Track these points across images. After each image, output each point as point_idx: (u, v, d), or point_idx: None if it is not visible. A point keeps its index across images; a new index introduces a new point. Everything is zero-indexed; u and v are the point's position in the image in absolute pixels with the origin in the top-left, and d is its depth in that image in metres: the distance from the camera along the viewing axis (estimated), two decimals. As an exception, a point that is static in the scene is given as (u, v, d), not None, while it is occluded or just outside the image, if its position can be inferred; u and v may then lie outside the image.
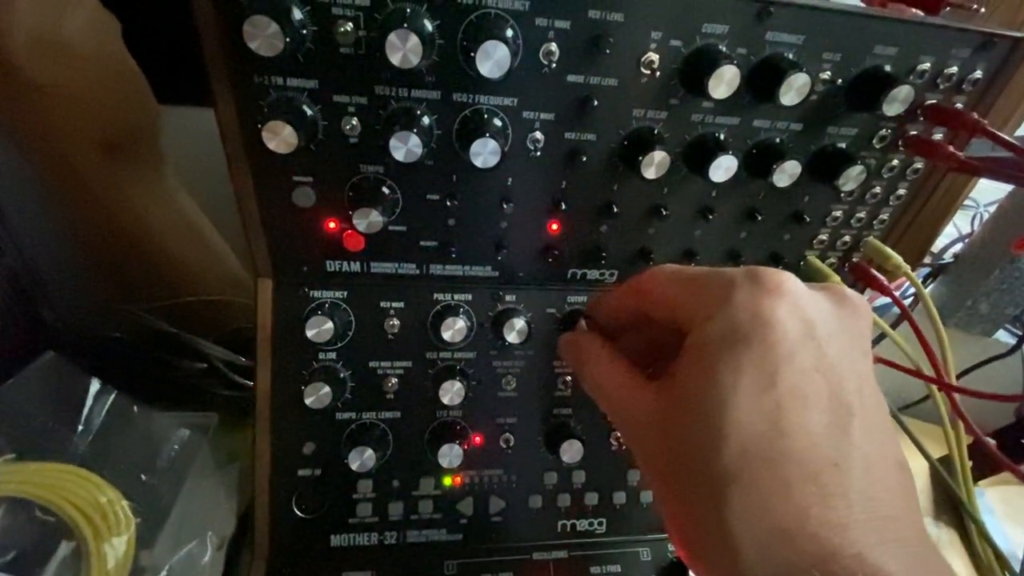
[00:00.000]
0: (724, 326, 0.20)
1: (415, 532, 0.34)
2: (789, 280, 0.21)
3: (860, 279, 0.36)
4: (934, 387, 0.34)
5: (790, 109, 0.27)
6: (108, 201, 0.46)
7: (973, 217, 0.76)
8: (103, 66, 0.42)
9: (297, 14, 0.23)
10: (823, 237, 0.35)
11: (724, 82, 0.25)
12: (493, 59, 0.23)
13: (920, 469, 0.67)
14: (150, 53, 0.44)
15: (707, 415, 0.20)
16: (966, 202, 0.81)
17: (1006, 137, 0.27)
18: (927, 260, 0.76)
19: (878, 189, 0.33)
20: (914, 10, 0.34)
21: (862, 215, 0.34)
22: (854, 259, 0.37)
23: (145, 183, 0.47)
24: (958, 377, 0.56)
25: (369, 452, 0.31)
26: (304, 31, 0.23)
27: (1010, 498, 0.62)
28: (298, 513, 0.33)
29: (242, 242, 0.31)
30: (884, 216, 0.35)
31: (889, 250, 0.34)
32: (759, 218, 0.33)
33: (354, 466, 0.31)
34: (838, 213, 0.34)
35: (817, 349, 0.20)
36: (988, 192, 0.78)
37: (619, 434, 0.36)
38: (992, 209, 0.74)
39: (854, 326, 0.22)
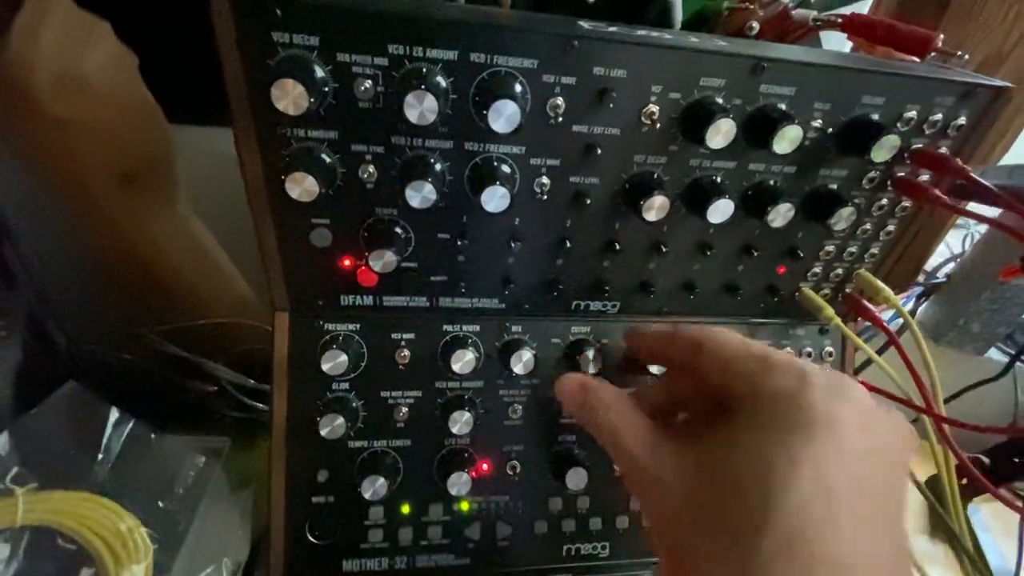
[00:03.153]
0: (791, 415, 0.21)
1: (424, 557, 0.35)
2: (860, 391, 0.22)
3: (852, 309, 0.38)
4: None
5: (783, 155, 0.29)
6: (123, 228, 0.47)
7: (964, 237, 0.78)
8: (121, 100, 0.44)
9: (320, 72, 0.24)
10: (817, 270, 0.37)
11: (721, 133, 0.27)
12: (504, 116, 0.25)
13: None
14: (164, 75, 0.45)
15: (756, 496, 0.20)
16: (958, 222, 0.83)
17: (984, 183, 0.28)
18: (920, 279, 0.78)
19: (868, 226, 0.35)
20: (902, 55, 0.35)
21: (854, 249, 0.36)
22: (847, 290, 0.38)
23: (159, 211, 0.49)
24: (949, 399, 0.57)
25: (381, 480, 0.32)
26: (326, 88, 0.25)
27: (1004, 514, 0.63)
28: (312, 539, 0.34)
29: (248, 258, 0.32)
30: (875, 250, 0.36)
31: (880, 283, 0.36)
32: (755, 254, 0.34)
33: (367, 494, 0.32)
34: (831, 248, 0.36)
35: (873, 463, 0.21)
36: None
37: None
38: (983, 229, 0.75)
39: (903, 452, 0.23)
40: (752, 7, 0.38)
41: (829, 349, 0.40)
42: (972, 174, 0.29)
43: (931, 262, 0.78)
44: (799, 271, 0.37)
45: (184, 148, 0.48)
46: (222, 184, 0.33)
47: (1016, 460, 0.63)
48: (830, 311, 0.36)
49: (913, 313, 0.65)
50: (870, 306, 0.37)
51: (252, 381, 0.50)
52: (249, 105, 0.25)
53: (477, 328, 0.35)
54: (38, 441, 0.34)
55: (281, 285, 0.32)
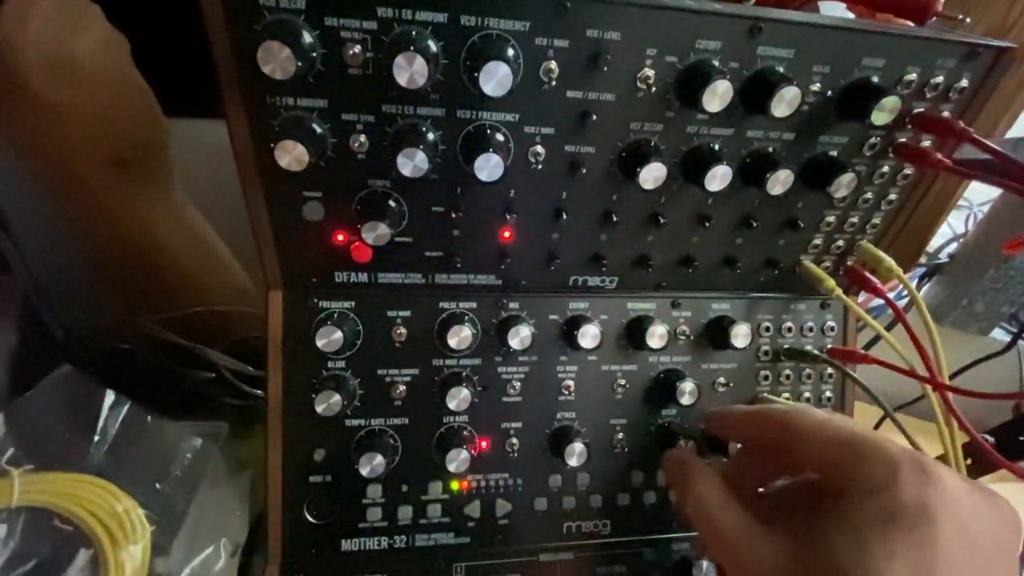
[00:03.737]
0: (886, 507, 0.21)
1: (424, 536, 0.35)
2: (952, 476, 0.22)
3: (855, 282, 0.37)
4: (928, 387, 0.34)
5: (782, 120, 0.28)
6: (118, 216, 0.47)
7: (967, 217, 0.77)
8: (113, 84, 0.43)
9: (307, 38, 0.24)
10: (817, 242, 0.36)
11: (718, 96, 0.26)
12: (496, 79, 0.24)
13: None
14: (158, 67, 0.45)
15: None
16: (960, 202, 0.83)
17: (990, 144, 0.28)
18: (923, 260, 0.77)
19: (869, 195, 0.34)
20: (902, 21, 0.35)
21: (855, 220, 0.35)
22: (848, 262, 0.38)
23: (154, 198, 0.48)
24: (953, 376, 0.56)
25: (379, 458, 0.32)
26: (314, 54, 0.24)
27: (1009, 494, 0.63)
28: (310, 519, 0.33)
29: (247, 252, 0.32)
30: (876, 220, 0.36)
31: (882, 254, 0.35)
32: (755, 225, 0.34)
33: (364, 472, 0.32)
34: (831, 219, 0.35)
35: (969, 552, 0.21)
36: (981, 192, 0.79)
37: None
38: (985, 209, 0.75)
39: (1005, 535, 0.23)
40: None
41: (831, 323, 0.40)
42: (977, 136, 0.28)
43: (933, 243, 0.77)
44: (800, 243, 0.36)
45: (181, 141, 0.48)
46: (219, 176, 0.33)
47: (1022, 439, 0.63)
48: (831, 282, 0.35)
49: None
50: (872, 278, 0.36)
51: (250, 368, 0.50)
52: (236, 72, 0.25)
53: (474, 305, 0.35)
54: (33, 423, 0.33)
55: (274, 262, 0.31)
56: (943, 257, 0.75)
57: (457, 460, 0.33)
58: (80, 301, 0.49)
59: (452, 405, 0.33)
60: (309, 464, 0.33)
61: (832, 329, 0.40)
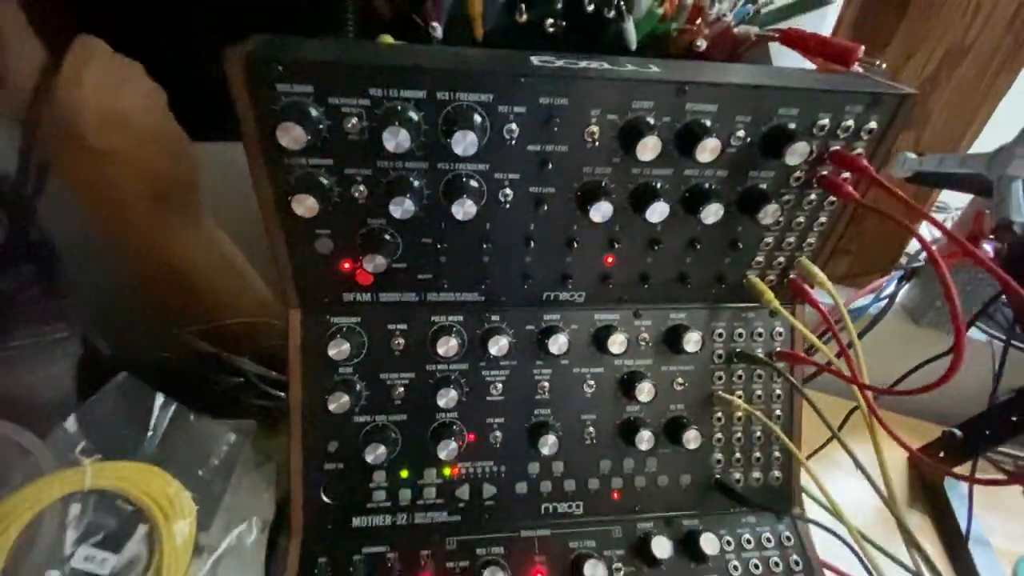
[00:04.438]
0: None
1: (421, 514, 0.41)
2: None
3: (795, 293, 0.42)
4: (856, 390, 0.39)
5: (710, 163, 0.34)
6: (158, 244, 0.54)
7: (944, 220, 0.81)
8: (154, 132, 0.50)
9: (315, 113, 0.30)
10: (760, 259, 0.42)
11: (648, 148, 0.32)
12: (465, 143, 0.30)
13: (898, 458, 0.72)
14: (188, 100, 0.51)
15: None
16: (938, 204, 0.86)
17: (885, 182, 0.33)
18: (902, 262, 0.81)
19: (802, 218, 0.39)
20: (833, 64, 0.40)
21: (791, 240, 0.41)
22: (791, 276, 0.43)
23: (188, 227, 0.55)
24: (906, 375, 0.61)
25: (382, 448, 0.38)
26: (321, 126, 0.31)
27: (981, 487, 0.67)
28: (325, 499, 0.40)
29: (268, 267, 0.38)
30: (811, 240, 0.41)
31: (816, 269, 0.40)
32: (699, 247, 0.39)
33: (370, 460, 0.38)
34: (769, 239, 0.40)
35: None
36: (959, 197, 0.82)
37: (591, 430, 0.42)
38: (960, 214, 0.78)
39: None
40: (697, 27, 0.42)
41: (779, 330, 0.45)
42: (873, 172, 0.33)
43: (913, 245, 0.81)
44: (743, 260, 0.41)
45: (209, 164, 0.54)
46: (242, 198, 0.40)
47: (988, 432, 0.67)
48: (769, 295, 0.41)
49: (895, 295, 0.69)
50: (809, 290, 0.41)
51: (274, 373, 0.57)
52: (259, 142, 0.31)
53: (460, 318, 0.41)
54: (99, 422, 0.40)
55: (292, 287, 0.38)
56: (920, 260, 0.78)
57: (447, 450, 0.39)
58: (128, 318, 0.57)
59: (442, 404, 0.39)
60: (324, 454, 0.40)
61: (780, 334, 0.45)
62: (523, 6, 0.38)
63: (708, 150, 0.32)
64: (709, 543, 0.41)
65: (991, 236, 0.49)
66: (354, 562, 0.39)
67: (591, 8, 0.39)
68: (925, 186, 0.67)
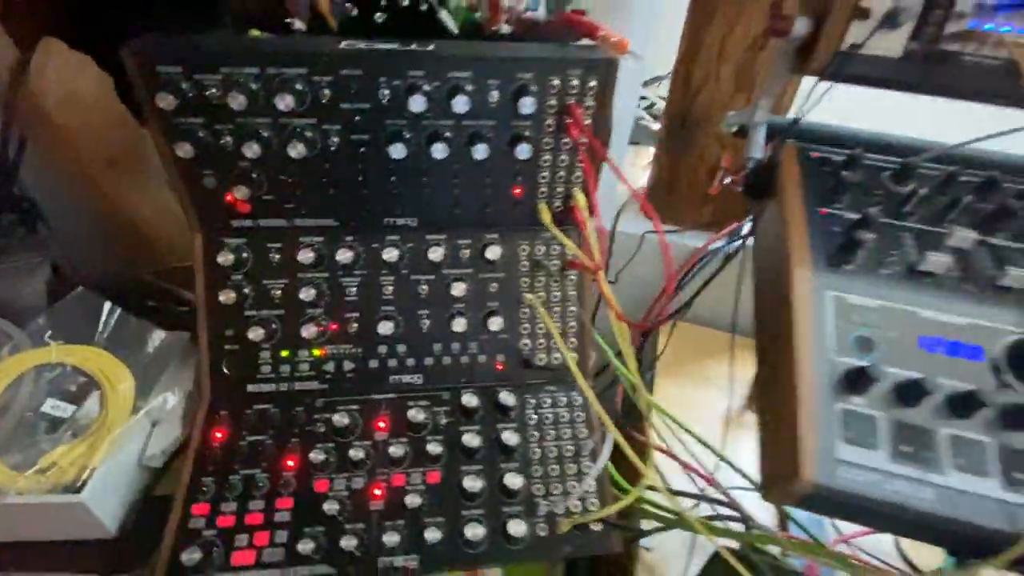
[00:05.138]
0: None
1: (298, 383, 0.56)
2: None
3: (573, 217, 0.57)
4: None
5: (469, 115, 0.48)
6: (114, 198, 0.70)
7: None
8: (103, 109, 0.66)
9: (184, 85, 0.45)
10: (544, 190, 0.56)
11: (418, 104, 0.46)
12: (285, 102, 0.45)
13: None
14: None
15: None
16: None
17: (581, 126, 0.47)
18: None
19: (564, 156, 0.54)
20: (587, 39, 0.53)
21: (562, 174, 0.55)
22: (571, 204, 0.57)
23: (138, 184, 0.71)
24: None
25: (261, 330, 0.53)
26: (190, 95, 0.45)
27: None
28: (226, 371, 0.55)
29: None
30: (578, 174, 0.55)
31: (580, 195, 0.55)
32: (488, 180, 0.53)
33: (252, 337, 0.53)
34: (545, 174, 0.55)
35: None
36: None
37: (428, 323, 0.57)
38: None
39: None
40: (496, 15, 0.56)
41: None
42: (580, 118, 0.47)
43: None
44: (532, 189, 0.56)
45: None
46: None
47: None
48: (546, 217, 0.55)
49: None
50: (579, 213, 0.56)
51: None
52: (150, 108, 0.46)
53: (321, 239, 0.55)
54: (63, 319, 0.56)
55: (193, 215, 0.53)
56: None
57: (312, 335, 0.54)
58: (93, 254, 0.72)
59: (306, 300, 0.54)
60: (224, 338, 0.55)
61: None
62: (347, 4, 0.52)
63: (461, 104, 0.47)
64: (508, 398, 0.56)
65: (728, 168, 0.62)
66: (246, 415, 0.54)
67: (406, 2, 0.54)
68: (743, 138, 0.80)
